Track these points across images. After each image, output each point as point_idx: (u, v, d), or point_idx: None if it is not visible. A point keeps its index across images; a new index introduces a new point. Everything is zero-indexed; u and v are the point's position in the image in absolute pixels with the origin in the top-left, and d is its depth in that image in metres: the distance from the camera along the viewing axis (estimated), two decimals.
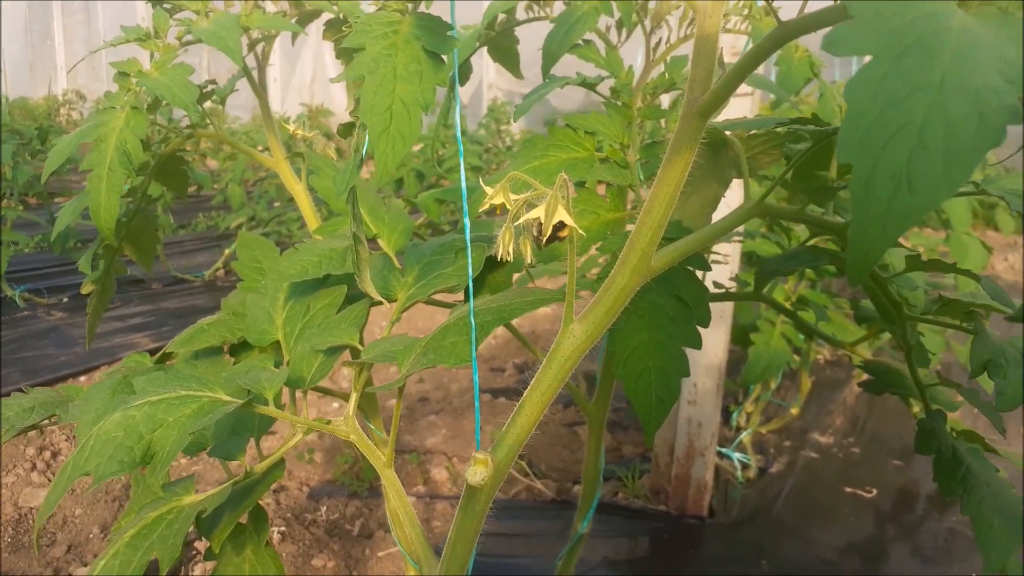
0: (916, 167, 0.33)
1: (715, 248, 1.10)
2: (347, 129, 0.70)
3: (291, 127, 1.31)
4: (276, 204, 4.74)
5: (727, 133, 0.78)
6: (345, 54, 0.65)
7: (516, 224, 0.62)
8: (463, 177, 0.70)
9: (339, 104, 8.89)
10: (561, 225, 0.60)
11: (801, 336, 2.03)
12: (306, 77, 9.49)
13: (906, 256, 0.80)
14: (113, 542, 0.79)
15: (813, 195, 0.76)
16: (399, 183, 4.90)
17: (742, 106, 1.63)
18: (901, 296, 0.86)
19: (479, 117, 7.17)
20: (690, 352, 0.81)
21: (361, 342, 0.89)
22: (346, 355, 0.94)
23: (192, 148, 1.39)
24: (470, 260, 0.73)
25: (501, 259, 0.63)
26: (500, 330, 3.52)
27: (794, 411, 2.52)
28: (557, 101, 7.33)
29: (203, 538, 0.86)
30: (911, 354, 0.87)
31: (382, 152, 0.60)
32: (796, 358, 2.18)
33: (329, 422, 0.81)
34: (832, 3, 0.57)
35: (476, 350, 0.73)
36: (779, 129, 0.76)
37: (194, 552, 1.78)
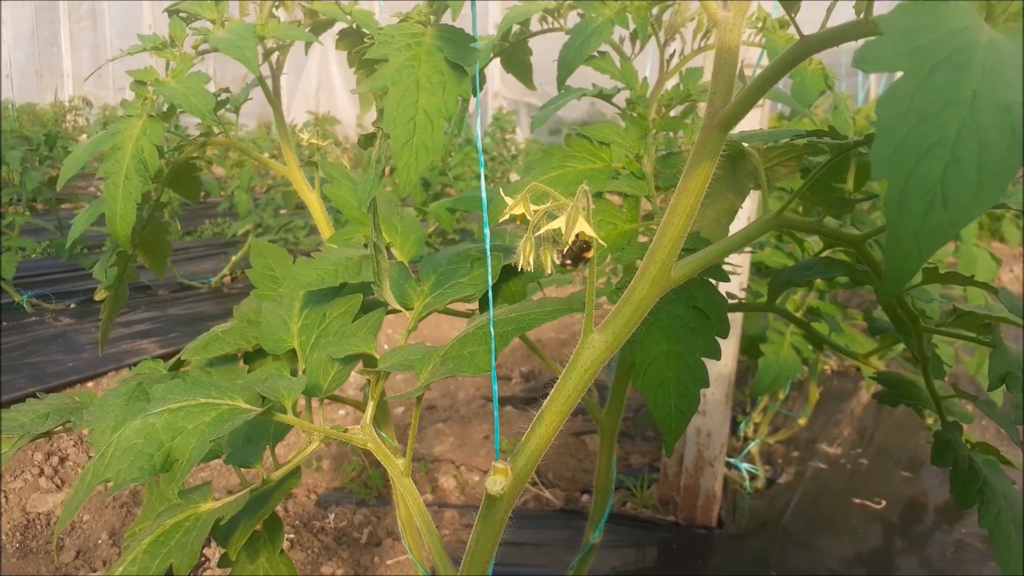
0: (950, 183, 0.34)
1: (726, 259, 1.10)
2: (368, 140, 0.70)
3: (305, 136, 1.31)
4: (283, 211, 4.75)
5: (745, 145, 0.79)
6: (366, 65, 0.66)
7: (537, 235, 0.62)
8: (483, 188, 0.71)
9: (344, 113, 8.92)
10: (585, 245, 0.61)
11: (811, 347, 2.03)
12: (312, 86, 9.52)
13: (923, 268, 0.80)
14: (130, 549, 0.79)
15: (830, 207, 0.77)
16: None
17: (752, 118, 1.63)
18: (916, 308, 0.86)
19: (484, 126, 7.18)
20: None
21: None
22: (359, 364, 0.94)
23: (200, 155, 1.40)
24: (489, 270, 0.74)
25: (521, 269, 0.63)
26: None
27: (802, 422, 2.52)
28: (562, 111, 7.33)
29: (216, 545, 0.86)
30: (927, 366, 0.87)
31: (405, 163, 0.60)
32: (805, 368, 2.18)
33: (346, 430, 0.81)
34: (854, 19, 0.58)
35: (494, 360, 0.73)
36: (797, 141, 0.76)
37: (204, 559, 1.78)
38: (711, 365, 0.79)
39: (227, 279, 4.22)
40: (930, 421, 0.99)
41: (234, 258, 4.13)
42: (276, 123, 1.32)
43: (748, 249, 1.35)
